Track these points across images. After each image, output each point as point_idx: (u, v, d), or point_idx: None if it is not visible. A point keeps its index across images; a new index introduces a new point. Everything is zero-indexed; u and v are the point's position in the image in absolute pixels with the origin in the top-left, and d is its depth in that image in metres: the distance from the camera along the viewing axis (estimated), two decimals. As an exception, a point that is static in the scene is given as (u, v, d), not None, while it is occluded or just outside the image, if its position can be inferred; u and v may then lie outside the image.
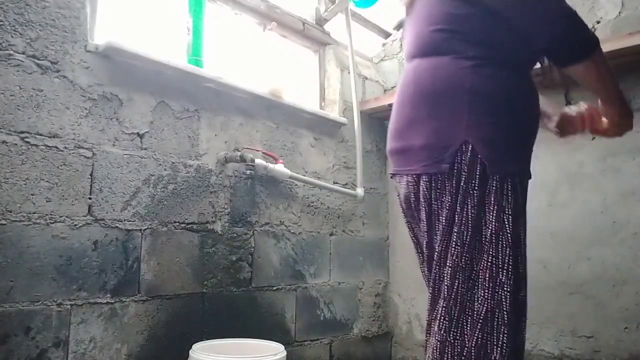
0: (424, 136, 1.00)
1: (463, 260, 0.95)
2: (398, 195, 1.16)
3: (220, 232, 1.81)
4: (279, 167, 1.95)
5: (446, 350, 0.94)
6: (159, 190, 1.64)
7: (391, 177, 1.19)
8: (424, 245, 1.08)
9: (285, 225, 2.06)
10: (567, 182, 1.87)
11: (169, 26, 1.90)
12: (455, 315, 0.94)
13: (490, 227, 0.95)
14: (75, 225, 1.43)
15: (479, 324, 0.93)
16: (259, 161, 1.85)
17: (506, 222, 0.95)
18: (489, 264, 0.94)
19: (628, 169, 1.75)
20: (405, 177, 1.06)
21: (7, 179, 1.31)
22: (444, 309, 0.95)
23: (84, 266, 1.43)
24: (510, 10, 0.99)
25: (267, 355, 1.47)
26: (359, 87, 2.52)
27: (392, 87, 2.68)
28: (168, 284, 1.64)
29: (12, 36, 1.34)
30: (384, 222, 2.59)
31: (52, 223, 1.38)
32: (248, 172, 1.93)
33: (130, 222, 1.56)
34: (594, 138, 1.82)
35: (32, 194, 1.35)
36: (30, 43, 1.38)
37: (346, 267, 2.34)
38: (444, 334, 0.94)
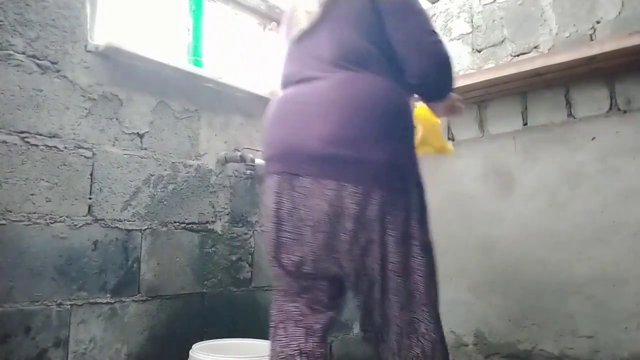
0: (380, 152, 1.00)
1: (428, 268, 1.03)
2: (281, 203, 1.07)
3: (220, 232, 1.81)
4: (279, 167, 1.94)
5: (436, 348, 1.01)
6: (159, 190, 1.65)
7: (294, 180, 1.05)
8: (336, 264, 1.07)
9: (285, 225, 2.06)
10: (567, 182, 1.87)
11: (169, 26, 1.90)
12: (435, 315, 1.03)
13: (424, 237, 1.06)
14: (75, 225, 1.43)
15: (439, 319, 1.04)
16: (259, 161, 1.85)
17: (426, 227, 1.09)
18: (429, 266, 1.05)
19: (628, 169, 1.75)
20: (345, 186, 0.99)
21: (7, 179, 1.31)
22: (427, 312, 1.01)
23: (84, 266, 1.44)
24: (397, 38, 1.05)
25: (267, 355, 1.46)
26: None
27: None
28: (168, 284, 1.64)
29: (12, 36, 1.34)
30: (384, 222, 2.58)
31: (52, 223, 1.38)
32: (248, 172, 1.93)
33: (130, 222, 1.56)
34: (594, 138, 1.82)
35: (32, 194, 1.35)
36: (30, 43, 1.38)
37: (346, 267, 2.33)
38: (434, 335, 1.01)
